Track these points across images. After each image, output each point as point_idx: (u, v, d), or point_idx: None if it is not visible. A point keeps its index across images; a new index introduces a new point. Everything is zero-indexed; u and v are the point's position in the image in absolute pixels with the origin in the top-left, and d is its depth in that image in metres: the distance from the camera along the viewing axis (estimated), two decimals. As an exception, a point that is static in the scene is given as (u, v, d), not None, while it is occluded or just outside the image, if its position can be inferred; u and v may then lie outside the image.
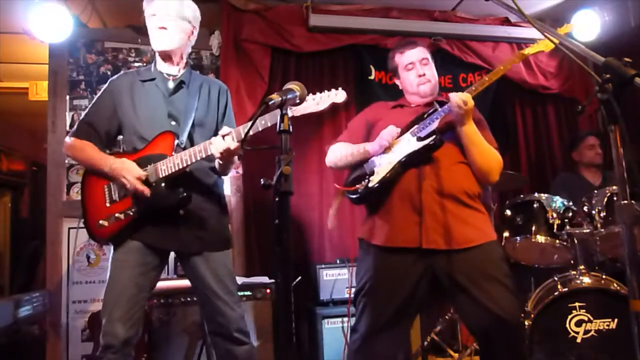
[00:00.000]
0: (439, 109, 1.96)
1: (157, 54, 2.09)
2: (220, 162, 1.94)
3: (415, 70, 2.13)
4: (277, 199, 1.29)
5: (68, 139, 2.03)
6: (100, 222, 1.93)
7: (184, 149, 1.92)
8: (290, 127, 1.38)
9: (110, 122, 2.04)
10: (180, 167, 1.88)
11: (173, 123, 2.00)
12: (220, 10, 3.55)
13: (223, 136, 1.83)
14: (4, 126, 5.68)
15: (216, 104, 2.13)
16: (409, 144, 1.96)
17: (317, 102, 1.83)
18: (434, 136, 1.90)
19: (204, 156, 1.87)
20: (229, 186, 3.62)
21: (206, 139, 2.00)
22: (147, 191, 1.88)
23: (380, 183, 1.94)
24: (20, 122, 5.68)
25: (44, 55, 3.50)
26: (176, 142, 1.94)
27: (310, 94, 1.80)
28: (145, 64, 3.43)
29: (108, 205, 1.95)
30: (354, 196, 2.02)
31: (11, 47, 4.09)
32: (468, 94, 1.92)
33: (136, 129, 2.00)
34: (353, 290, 3.03)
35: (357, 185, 2.00)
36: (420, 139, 1.94)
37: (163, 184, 1.90)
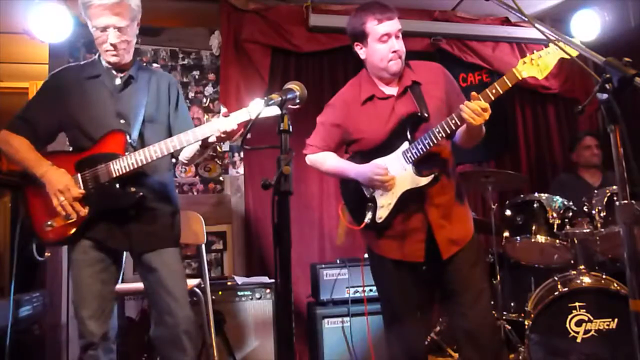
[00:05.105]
0: (431, 137, 1.85)
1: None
2: (210, 145, 1.91)
3: (390, 45, 1.96)
4: (277, 199, 1.29)
5: (2, 133, 1.94)
6: (49, 222, 1.86)
7: (135, 147, 1.88)
8: (290, 127, 1.38)
9: (49, 119, 1.96)
10: (135, 166, 1.84)
11: (122, 121, 1.93)
12: (220, 10, 3.55)
13: (225, 116, 1.80)
14: (4, 126, 5.68)
15: (167, 98, 2.06)
16: (405, 174, 1.93)
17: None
18: (435, 174, 1.89)
19: (159, 156, 1.84)
20: (229, 186, 3.63)
21: (158, 134, 1.98)
22: (82, 213, 1.83)
23: (388, 216, 1.97)
24: (20, 122, 5.68)
25: (44, 55, 3.50)
26: (127, 140, 1.89)
27: None
28: (145, 64, 3.43)
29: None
30: (361, 227, 2.02)
31: (11, 47, 4.08)
32: (486, 104, 1.75)
33: (82, 127, 1.93)
34: (352, 290, 3.07)
35: (365, 221, 1.97)
36: (418, 172, 1.91)
37: (117, 185, 1.86)
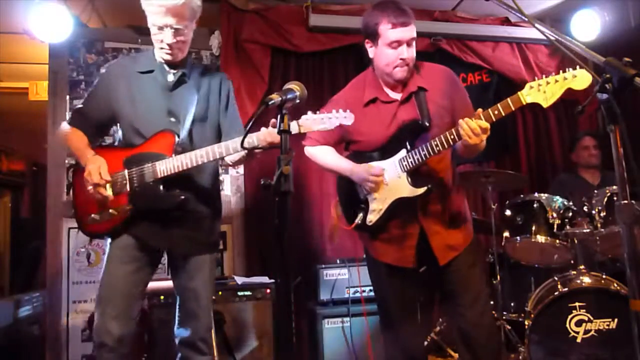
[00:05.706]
0: (428, 149, 1.85)
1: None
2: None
3: (399, 52, 1.92)
4: (277, 199, 1.29)
5: (64, 126, 2.02)
6: (93, 215, 1.90)
7: (184, 148, 1.89)
8: (290, 127, 1.38)
9: (101, 112, 1.99)
10: (181, 169, 1.85)
11: (172, 120, 1.94)
12: (220, 10, 3.55)
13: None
14: (4, 126, 5.68)
15: (217, 97, 2.05)
16: (399, 182, 1.92)
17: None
18: (428, 187, 1.89)
19: (205, 161, 1.85)
20: (229, 186, 3.62)
21: (207, 134, 1.98)
22: (109, 197, 1.85)
23: (377, 221, 1.98)
24: (20, 122, 5.68)
25: (44, 55, 3.50)
26: (176, 141, 1.90)
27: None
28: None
29: None
30: (351, 227, 2.04)
31: (11, 47, 4.09)
32: (486, 124, 1.73)
33: (133, 123, 1.95)
34: (352, 290, 3.07)
35: (357, 221, 2.00)
36: (412, 181, 1.91)
37: (161, 186, 1.87)
